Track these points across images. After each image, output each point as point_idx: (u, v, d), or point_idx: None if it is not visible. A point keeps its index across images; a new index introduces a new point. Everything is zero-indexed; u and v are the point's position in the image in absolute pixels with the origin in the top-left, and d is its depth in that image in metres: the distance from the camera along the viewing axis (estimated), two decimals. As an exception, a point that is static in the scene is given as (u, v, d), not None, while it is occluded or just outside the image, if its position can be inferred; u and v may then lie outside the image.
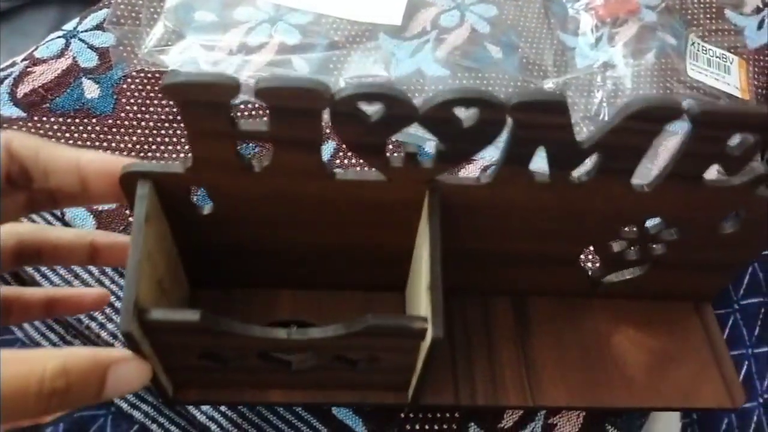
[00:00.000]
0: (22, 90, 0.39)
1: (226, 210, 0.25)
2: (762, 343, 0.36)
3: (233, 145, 0.22)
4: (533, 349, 0.30)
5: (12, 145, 0.22)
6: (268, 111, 0.21)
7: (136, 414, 0.32)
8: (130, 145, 0.38)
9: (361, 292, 0.30)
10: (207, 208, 0.25)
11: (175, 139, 0.39)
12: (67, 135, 0.38)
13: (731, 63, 0.44)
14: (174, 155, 0.38)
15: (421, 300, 0.24)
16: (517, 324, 0.30)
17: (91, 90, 0.40)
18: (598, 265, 0.29)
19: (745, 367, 0.36)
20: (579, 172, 0.24)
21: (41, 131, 0.38)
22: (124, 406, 0.33)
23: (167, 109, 0.40)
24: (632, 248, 0.28)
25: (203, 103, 0.20)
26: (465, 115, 0.21)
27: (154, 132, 0.39)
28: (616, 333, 0.30)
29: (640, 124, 0.21)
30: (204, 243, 0.26)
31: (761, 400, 0.35)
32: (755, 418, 0.35)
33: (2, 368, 0.18)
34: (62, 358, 0.19)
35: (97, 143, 0.38)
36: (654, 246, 0.28)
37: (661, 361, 0.30)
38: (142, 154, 0.38)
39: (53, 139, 0.38)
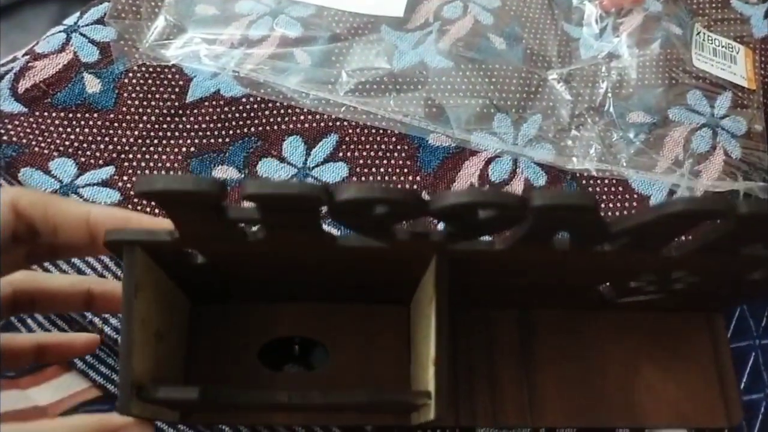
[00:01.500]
0: (23, 85, 0.39)
1: (219, 264, 0.24)
2: (769, 334, 0.36)
3: (221, 225, 0.21)
4: (536, 367, 0.29)
5: (20, 205, 0.22)
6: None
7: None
8: (132, 140, 0.38)
9: (363, 305, 0.30)
10: (200, 258, 0.24)
11: (177, 133, 0.39)
12: (69, 130, 0.38)
13: (737, 53, 0.44)
14: (176, 149, 0.38)
15: (426, 366, 0.23)
16: (521, 340, 0.30)
17: (92, 85, 0.40)
18: (610, 290, 0.28)
19: (752, 358, 0.35)
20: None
21: (42, 126, 0.38)
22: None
23: (169, 103, 0.40)
24: (650, 285, 0.27)
25: (186, 203, 0.19)
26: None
27: (156, 126, 0.39)
28: (622, 348, 0.30)
29: (677, 220, 0.19)
30: (200, 279, 0.26)
31: (768, 392, 0.35)
32: (762, 409, 0.34)
33: None
34: (69, 430, 0.19)
35: (98, 138, 0.38)
36: (674, 283, 0.26)
37: (664, 379, 0.30)
38: (144, 149, 0.38)
39: (55, 134, 0.38)
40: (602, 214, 0.38)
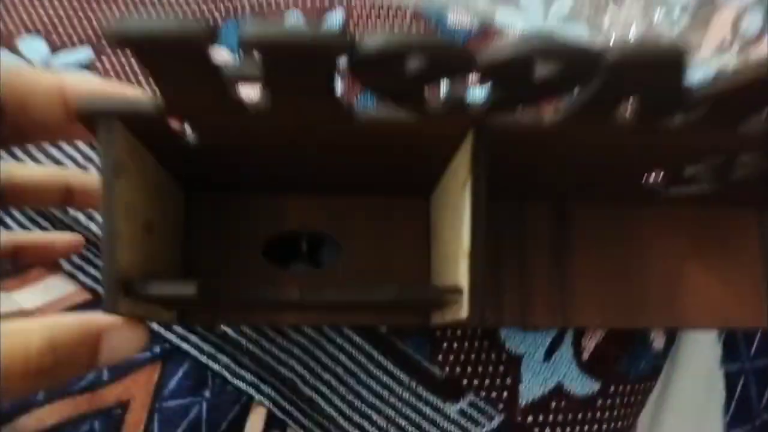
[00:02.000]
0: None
1: (214, 145, 0.21)
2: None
3: (216, 88, 0.17)
4: (570, 263, 0.26)
5: None
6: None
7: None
8: (111, 19, 0.34)
9: (377, 197, 0.26)
10: (192, 137, 0.20)
11: (162, 10, 0.34)
12: (39, 9, 0.34)
13: None
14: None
15: (456, 260, 0.21)
16: (556, 235, 0.27)
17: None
18: (660, 179, 0.25)
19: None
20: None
21: (7, 1, 0.33)
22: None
23: (151, -24, 0.35)
24: (708, 172, 0.23)
25: (170, 52, 0.15)
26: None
27: (138, 1, 0.34)
28: (665, 245, 0.27)
29: None
30: (194, 164, 0.23)
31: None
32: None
33: None
34: (48, 331, 0.17)
35: (72, 16, 0.33)
36: (736, 169, 0.23)
37: (708, 277, 0.27)
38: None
39: (23, 11, 0.33)
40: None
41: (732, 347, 0.32)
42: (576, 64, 0.15)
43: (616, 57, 0.15)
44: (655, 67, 0.15)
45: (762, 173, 0.23)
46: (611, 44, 0.32)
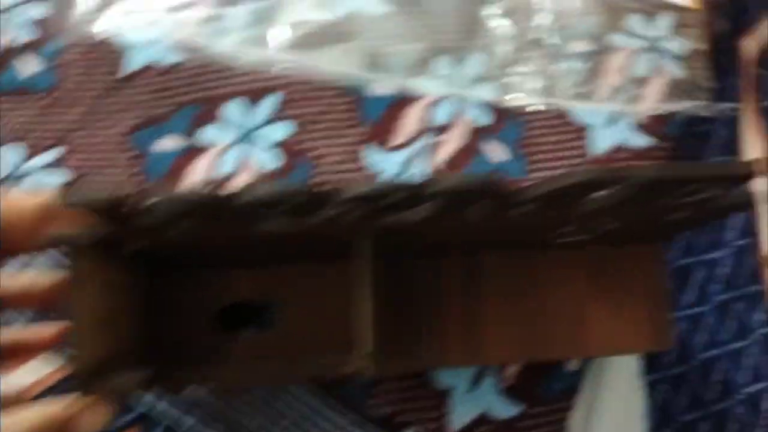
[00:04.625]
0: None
1: (159, 247, 0.25)
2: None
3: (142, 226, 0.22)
4: (481, 309, 0.30)
5: None
6: None
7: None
8: (77, 117, 0.38)
9: (311, 264, 0.31)
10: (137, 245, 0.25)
11: (121, 107, 0.39)
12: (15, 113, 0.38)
13: (680, -32, 0.43)
14: (121, 123, 0.38)
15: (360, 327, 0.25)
16: (467, 283, 0.31)
17: (30, 65, 0.39)
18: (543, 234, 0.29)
19: (697, 273, 0.37)
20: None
21: (-14, 112, 0.38)
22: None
23: (110, 76, 0.39)
24: (577, 232, 0.28)
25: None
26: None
27: (98, 101, 0.39)
28: (564, 284, 0.31)
29: (576, 189, 0.21)
30: (153, 258, 0.27)
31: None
32: (703, 321, 0.36)
33: None
34: (29, 423, 0.21)
35: (43, 119, 0.38)
36: (598, 228, 0.27)
37: (605, 311, 0.31)
38: (90, 125, 0.38)
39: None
40: (548, 148, 0.38)
41: (649, 359, 0.36)
42: (411, 194, 0.20)
43: (439, 188, 0.20)
44: (473, 193, 0.20)
45: (625, 228, 0.27)
46: (518, 100, 0.36)
